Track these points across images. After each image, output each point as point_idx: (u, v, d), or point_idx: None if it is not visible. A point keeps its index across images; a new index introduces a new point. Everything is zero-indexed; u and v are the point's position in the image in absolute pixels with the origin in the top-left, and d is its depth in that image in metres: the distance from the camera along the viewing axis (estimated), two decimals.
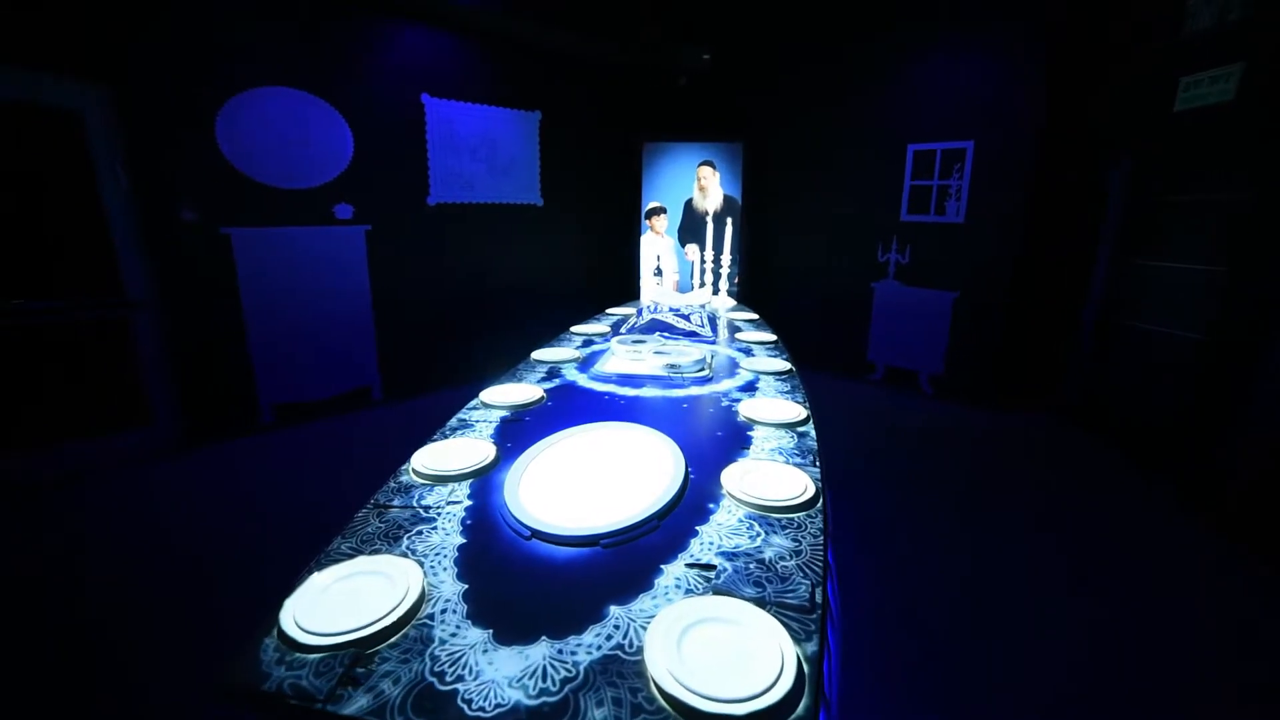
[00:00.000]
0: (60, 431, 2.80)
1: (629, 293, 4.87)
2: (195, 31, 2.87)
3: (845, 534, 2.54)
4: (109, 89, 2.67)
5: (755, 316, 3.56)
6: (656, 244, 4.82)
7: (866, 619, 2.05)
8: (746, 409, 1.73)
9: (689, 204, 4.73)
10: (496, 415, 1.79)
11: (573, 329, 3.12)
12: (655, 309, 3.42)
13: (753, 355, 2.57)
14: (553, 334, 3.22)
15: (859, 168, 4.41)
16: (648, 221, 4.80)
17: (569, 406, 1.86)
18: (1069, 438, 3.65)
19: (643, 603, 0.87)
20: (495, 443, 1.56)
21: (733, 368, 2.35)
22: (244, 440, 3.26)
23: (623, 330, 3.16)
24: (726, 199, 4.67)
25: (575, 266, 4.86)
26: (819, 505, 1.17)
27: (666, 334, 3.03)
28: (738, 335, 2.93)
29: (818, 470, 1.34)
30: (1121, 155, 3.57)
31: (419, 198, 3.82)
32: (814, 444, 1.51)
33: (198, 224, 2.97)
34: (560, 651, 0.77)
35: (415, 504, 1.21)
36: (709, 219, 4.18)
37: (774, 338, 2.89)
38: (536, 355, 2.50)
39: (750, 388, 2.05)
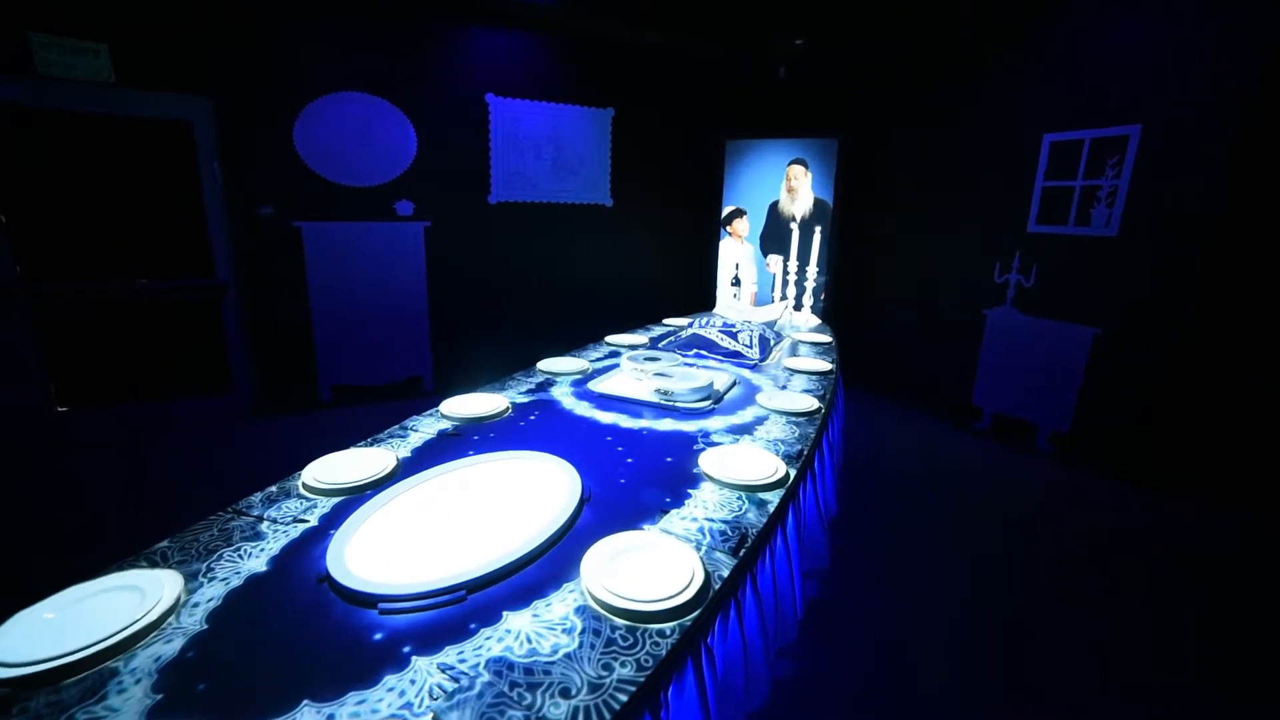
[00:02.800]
0: (162, 390, 3.43)
1: (703, 302, 4.62)
2: (278, 44, 3.30)
3: (889, 658, 2.05)
4: (211, 99, 3.19)
5: (828, 339, 3.14)
6: (735, 251, 4.50)
7: None
8: (709, 459, 1.45)
9: (774, 207, 4.34)
10: (442, 427, 1.72)
11: (607, 338, 3.01)
12: (708, 323, 3.15)
13: (785, 388, 2.22)
14: (627, 330, 3.12)
15: (976, 165, 3.66)
16: (726, 226, 4.50)
17: (524, 427, 1.72)
18: (1274, 540, 2.63)
19: (345, 705, 0.70)
20: (408, 459, 1.48)
21: (748, 400, 2.04)
22: (304, 415, 3.67)
23: (661, 345, 2.96)
24: (817, 202, 4.20)
25: (645, 271, 4.74)
26: (692, 617, 0.89)
27: (705, 353, 2.78)
28: (786, 362, 2.57)
29: (731, 563, 1.04)
30: None
31: (480, 196, 3.98)
32: (759, 522, 1.19)
33: (273, 217, 3.41)
34: None
35: (264, 517, 1.16)
36: (795, 225, 3.80)
37: (828, 367, 2.50)
38: (541, 364, 2.42)
39: (748, 429, 1.74)
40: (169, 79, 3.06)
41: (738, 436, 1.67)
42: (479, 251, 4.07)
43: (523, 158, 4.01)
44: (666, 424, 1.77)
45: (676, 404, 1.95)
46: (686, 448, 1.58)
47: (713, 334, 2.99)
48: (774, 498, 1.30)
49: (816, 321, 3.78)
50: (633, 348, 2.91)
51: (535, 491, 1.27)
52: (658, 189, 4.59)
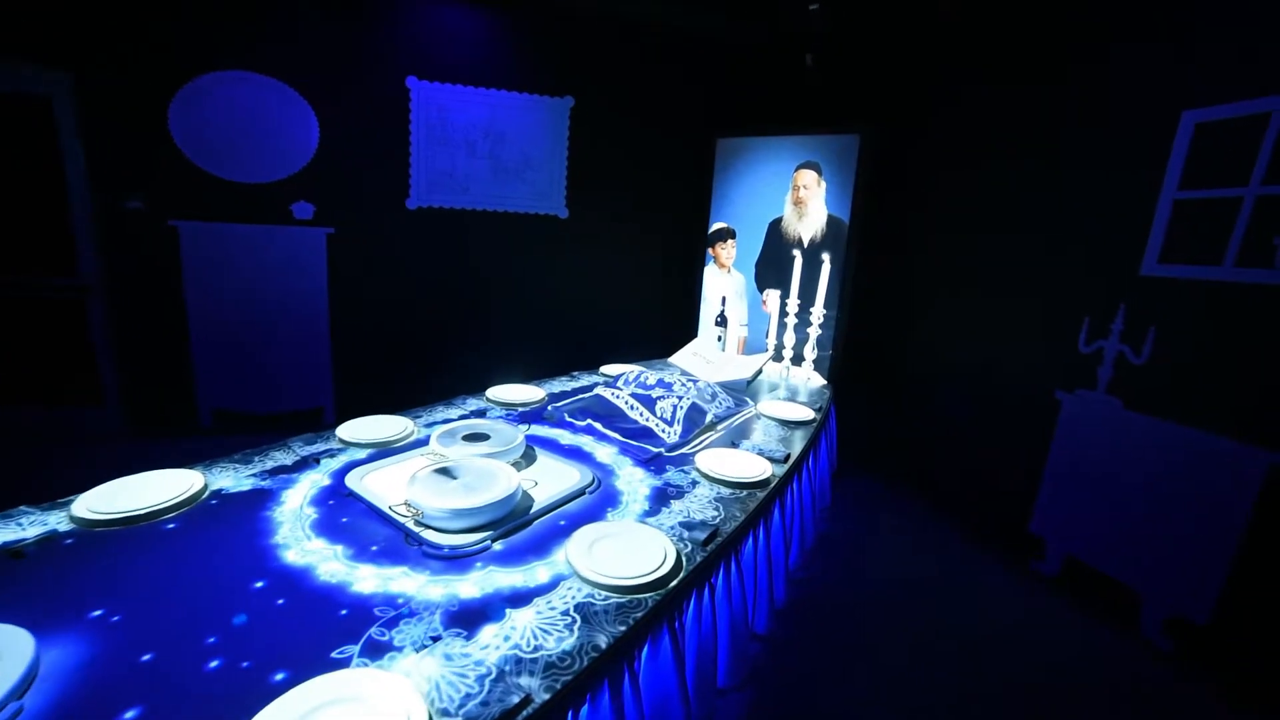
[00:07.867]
0: (20, 398, 3.24)
1: (681, 344, 3.91)
2: (153, 11, 3.02)
3: None
4: (73, 74, 2.95)
5: (809, 416, 2.40)
6: (721, 283, 3.75)
7: None
8: (293, 705, 0.78)
9: (776, 226, 3.56)
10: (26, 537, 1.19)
11: (489, 391, 2.41)
12: (637, 378, 2.46)
13: (667, 506, 1.53)
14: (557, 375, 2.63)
15: (1057, 168, 2.66)
16: (711, 249, 3.78)
17: (162, 550, 1.16)
18: None
19: None
20: None
21: (564, 532, 1.35)
22: (181, 440, 3.37)
23: (551, 408, 2.31)
24: (831, 221, 3.39)
25: (607, 302, 4.18)
26: None
27: (599, 427, 2.11)
28: (702, 460, 1.84)
29: None
30: None
31: (396, 200, 3.57)
32: None
33: (144, 213, 3.15)
34: None
35: None
36: (799, 250, 3.04)
37: (762, 473, 1.77)
38: (343, 429, 1.87)
39: (495, 612, 1.06)
40: (19, 46, 2.86)
41: (443, 638, 0.98)
42: (395, 265, 3.67)
43: (453, 156, 3.55)
44: (381, 571, 1.13)
45: (424, 531, 1.29)
46: (332, 647, 0.93)
47: (622, 399, 2.29)
48: None
49: (820, 382, 2.98)
50: (516, 409, 2.28)
51: None
52: (627, 199, 4.00)
